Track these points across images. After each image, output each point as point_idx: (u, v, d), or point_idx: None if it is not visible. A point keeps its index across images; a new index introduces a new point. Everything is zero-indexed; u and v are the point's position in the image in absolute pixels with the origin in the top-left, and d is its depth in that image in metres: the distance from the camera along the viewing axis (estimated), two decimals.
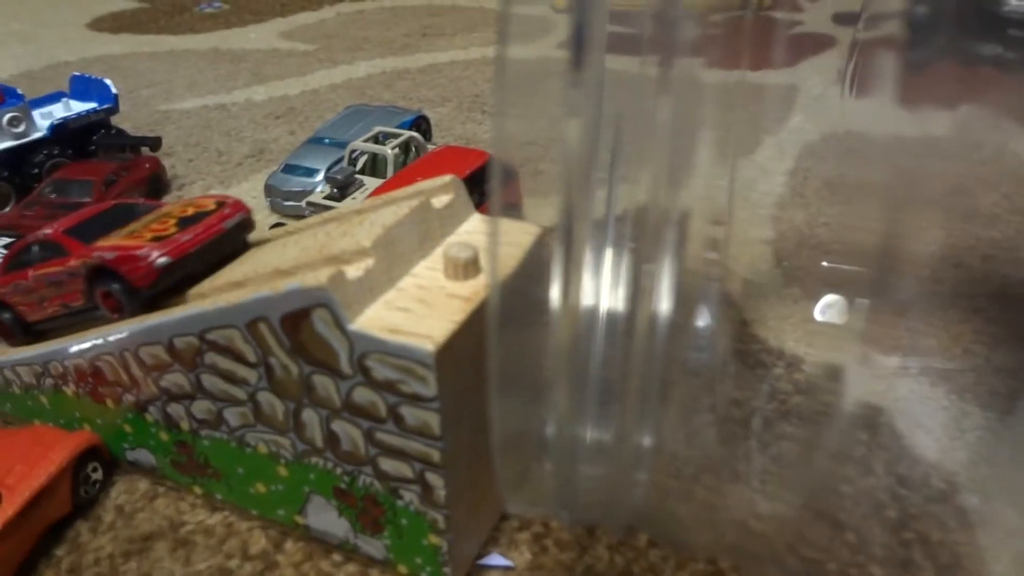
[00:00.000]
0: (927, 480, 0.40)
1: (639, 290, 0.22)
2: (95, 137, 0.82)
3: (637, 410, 0.23)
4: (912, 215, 0.39)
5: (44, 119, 0.80)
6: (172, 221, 0.41)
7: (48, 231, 0.45)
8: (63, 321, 0.45)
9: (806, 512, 0.34)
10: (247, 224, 0.44)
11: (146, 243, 0.39)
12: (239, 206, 0.43)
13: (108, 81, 0.85)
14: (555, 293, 0.22)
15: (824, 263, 0.42)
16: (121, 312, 0.40)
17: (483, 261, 0.33)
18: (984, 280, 0.49)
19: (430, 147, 0.73)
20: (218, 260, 0.41)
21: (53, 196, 0.71)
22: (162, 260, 0.38)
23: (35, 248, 0.45)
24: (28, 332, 0.48)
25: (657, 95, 0.20)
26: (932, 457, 0.41)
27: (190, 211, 0.42)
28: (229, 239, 0.42)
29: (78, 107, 0.83)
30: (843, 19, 0.42)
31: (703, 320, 0.32)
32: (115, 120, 0.86)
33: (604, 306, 0.23)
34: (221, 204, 0.43)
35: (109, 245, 0.40)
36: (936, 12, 0.27)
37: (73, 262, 0.42)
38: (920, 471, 0.40)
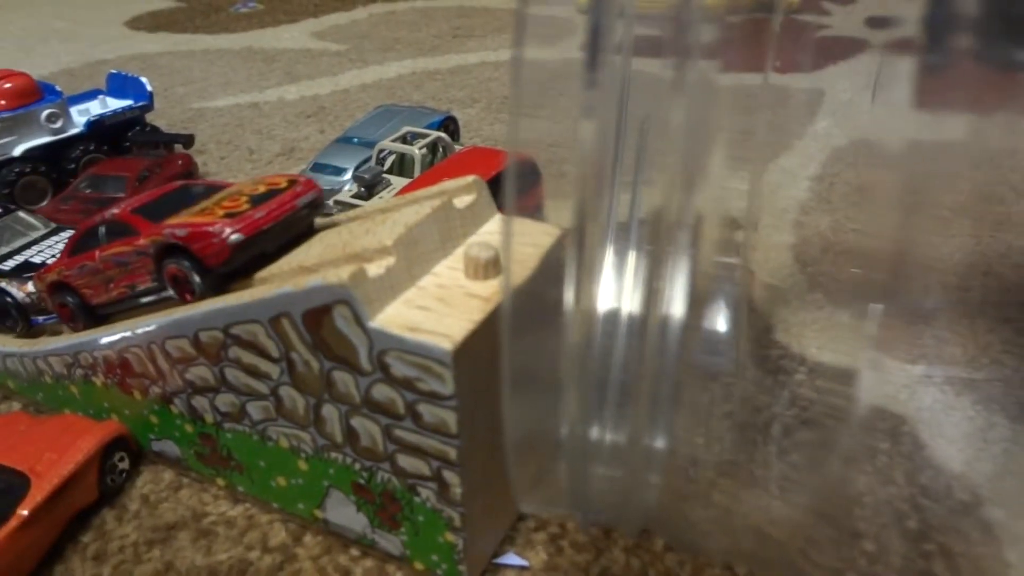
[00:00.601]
0: (950, 491, 0.39)
1: (651, 292, 0.22)
2: (130, 134, 0.84)
3: (649, 412, 0.23)
4: (940, 222, 0.38)
5: (81, 115, 0.82)
6: (244, 198, 0.40)
7: (116, 211, 0.44)
8: (127, 304, 0.44)
9: (823, 519, 0.34)
10: (318, 203, 0.42)
11: (219, 219, 0.38)
12: (311, 184, 0.42)
13: (144, 79, 0.86)
14: (568, 295, 0.22)
15: (853, 269, 0.42)
16: (191, 292, 0.39)
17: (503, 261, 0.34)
18: (1015, 289, 0.49)
19: (457, 148, 0.73)
20: (290, 239, 0.40)
21: (88, 191, 0.72)
22: (235, 237, 0.37)
23: (102, 229, 0.44)
24: (91, 316, 0.46)
25: (671, 97, 0.20)
26: (956, 468, 0.40)
27: (262, 188, 0.41)
28: (301, 217, 0.41)
29: (114, 104, 0.85)
30: (876, 23, 0.42)
31: (723, 324, 0.32)
32: (150, 117, 0.88)
33: (617, 308, 0.23)
34: (293, 182, 0.42)
35: (180, 222, 0.39)
36: (961, 16, 0.27)
37: (142, 241, 0.41)
38: (943, 482, 0.39)
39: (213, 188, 0.44)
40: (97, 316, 0.46)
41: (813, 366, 0.42)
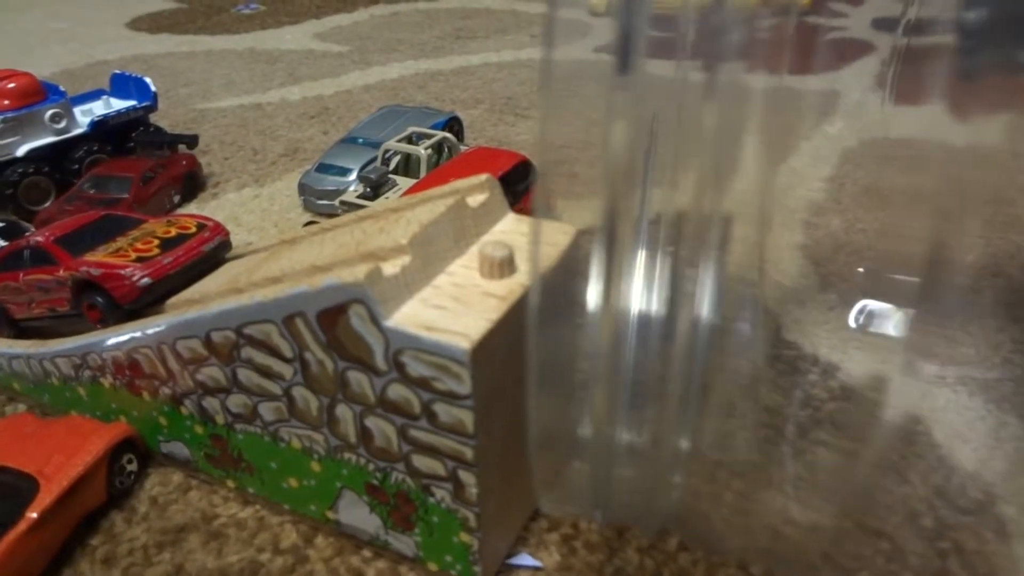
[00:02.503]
0: (964, 490, 0.39)
1: (680, 294, 0.22)
2: (134, 134, 0.84)
3: (676, 413, 0.23)
4: (951, 223, 0.38)
5: (85, 116, 0.82)
6: (155, 242, 0.46)
7: (39, 239, 0.48)
8: (48, 322, 0.49)
9: (840, 520, 0.33)
10: (225, 246, 0.48)
11: (130, 263, 0.43)
12: (218, 229, 0.48)
13: (147, 79, 0.86)
14: (595, 295, 0.22)
15: (860, 269, 0.42)
16: (103, 322, 0.44)
17: (518, 260, 0.33)
18: (1023, 289, 0.49)
19: (462, 148, 0.73)
20: (194, 277, 0.45)
21: (92, 192, 0.72)
22: (144, 280, 0.43)
23: (26, 253, 0.48)
24: (15, 327, 0.52)
25: (703, 100, 0.20)
26: (970, 467, 0.40)
27: (173, 232, 0.47)
28: (206, 260, 0.46)
29: (118, 104, 0.85)
30: (882, 24, 0.42)
31: (742, 324, 0.32)
32: (153, 118, 0.88)
33: (644, 309, 0.23)
34: (202, 227, 0.48)
35: (96, 261, 0.44)
36: (985, 19, 0.27)
37: (62, 273, 0.46)
38: (957, 481, 0.39)
39: (130, 220, 0.51)
40: (19, 328, 0.52)
41: (826, 366, 0.42)
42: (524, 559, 0.38)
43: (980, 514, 0.38)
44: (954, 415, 0.42)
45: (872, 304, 0.37)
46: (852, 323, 0.37)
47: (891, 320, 0.36)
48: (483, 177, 0.37)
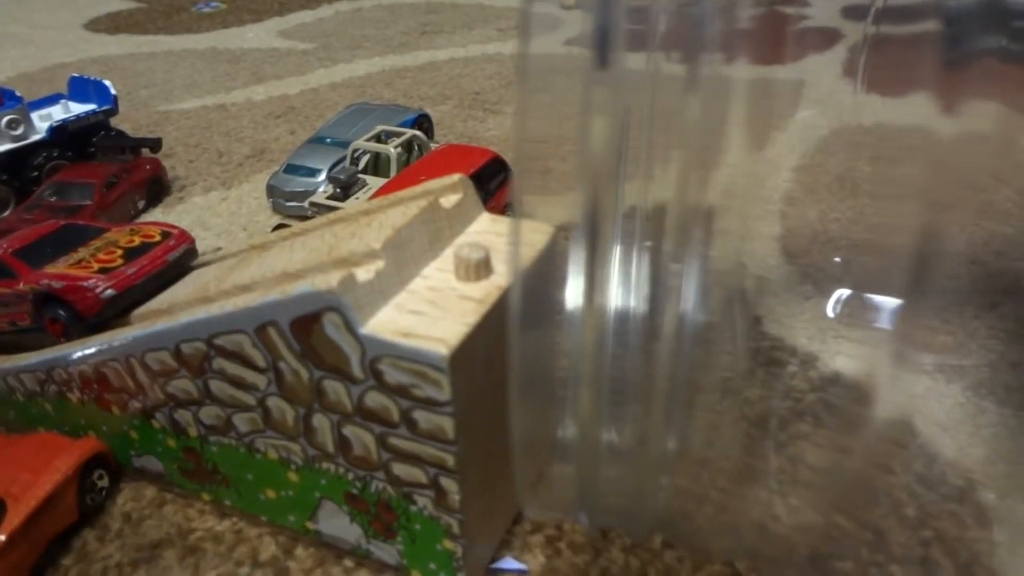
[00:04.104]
0: (944, 478, 0.39)
1: (664, 290, 0.21)
2: (94, 139, 0.82)
3: (663, 412, 0.22)
4: (926, 211, 0.38)
5: (43, 121, 0.79)
6: (119, 252, 0.44)
7: None
8: (10, 337, 0.47)
9: (824, 511, 0.33)
10: (191, 254, 0.47)
11: (93, 274, 0.42)
12: (184, 237, 0.46)
13: (107, 82, 0.84)
14: (576, 293, 0.22)
15: (836, 259, 0.42)
16: (67, 336, 0.43)
17: (495, 261, 0.33)
18: (998, 275, 0.49)
19: (432, 145, 0.72)
20: (160, 287, 0.44)
21: (53, 199, 0.70)
22: (108, 292, 0.42)
23: None
24: None
25: (685, 92, 0.20)
26: (949, 454, 0.40)
27: (136, 241, 0.46)
28: (171, 269, 0.45)
29: (77, 109, 0.83)
30: (852, 13, 0.42)
31: (723, 318, 0.32)
32: (114, 121, 0.86)
33: (628, 306, 0.23)
34: (166, 235, 0.46)
35: (57, 273, 0.43)
36: (966, 6, 0.27)
37: (22, 286, 0.44)
38: (937, 469, 0.40)
39: (91, 230, 0.49)
40: None
41: (805, 357, 0.41)
42: (508, 563, 0.37)
43: (961, 501, 0.38)
44: (933, 402, 0.42)
45: (849, 293, 0.37)
46: (830, 313, 0.37)
47: (868, 309, 0.36)
48: (456, 177, 0.37)
